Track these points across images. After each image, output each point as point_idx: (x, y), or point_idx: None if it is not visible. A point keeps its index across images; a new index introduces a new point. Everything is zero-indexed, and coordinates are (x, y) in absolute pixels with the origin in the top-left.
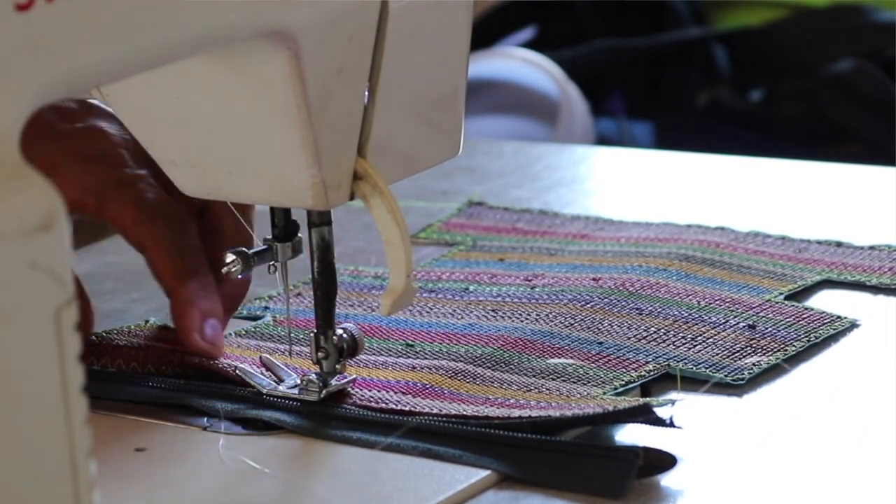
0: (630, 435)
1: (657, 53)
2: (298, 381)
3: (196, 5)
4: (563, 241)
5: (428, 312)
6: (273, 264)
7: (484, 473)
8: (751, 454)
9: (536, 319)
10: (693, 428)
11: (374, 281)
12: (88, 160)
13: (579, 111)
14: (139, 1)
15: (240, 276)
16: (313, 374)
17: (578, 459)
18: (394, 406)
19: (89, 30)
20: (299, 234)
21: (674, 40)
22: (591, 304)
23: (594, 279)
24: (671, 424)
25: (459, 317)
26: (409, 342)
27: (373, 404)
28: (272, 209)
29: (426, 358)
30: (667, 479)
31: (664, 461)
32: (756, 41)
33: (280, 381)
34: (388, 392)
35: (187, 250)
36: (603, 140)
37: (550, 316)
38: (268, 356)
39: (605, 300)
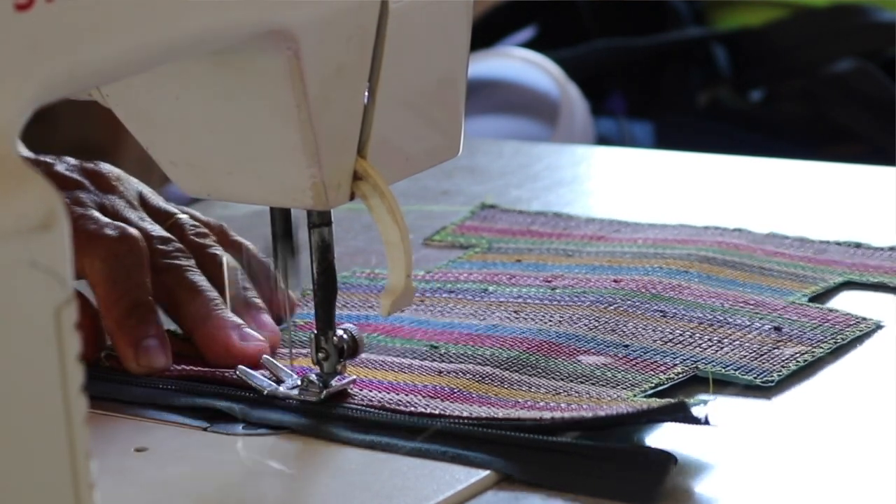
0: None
1: (657, 53)
2: (299, 382)
3: (196, 5)
4: (579, 242)
5: (449, 313)
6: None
7: (484, 473)
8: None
9: (560, 321)
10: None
11: None
12: None
13: (579, 111)
14: (139, 1)
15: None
16: (314, 375)
17: (606, 464)
18: (422, 409)
19: (89, 30)
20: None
21: (674, 40)
22: (614, 305)
23: (615, 280)
24: (706, 423)
25: (481, 318)
26: (434, 343)
27: (401, 408)
28: (272, 209)
29: (451, 361)
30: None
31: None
32: (756, 41)
33: (280, 381)
34: (415, 396)
35: (120, 274)
36: (603, 140)
37: (574, 318)
38: (268, 357)
39: (628, 302)
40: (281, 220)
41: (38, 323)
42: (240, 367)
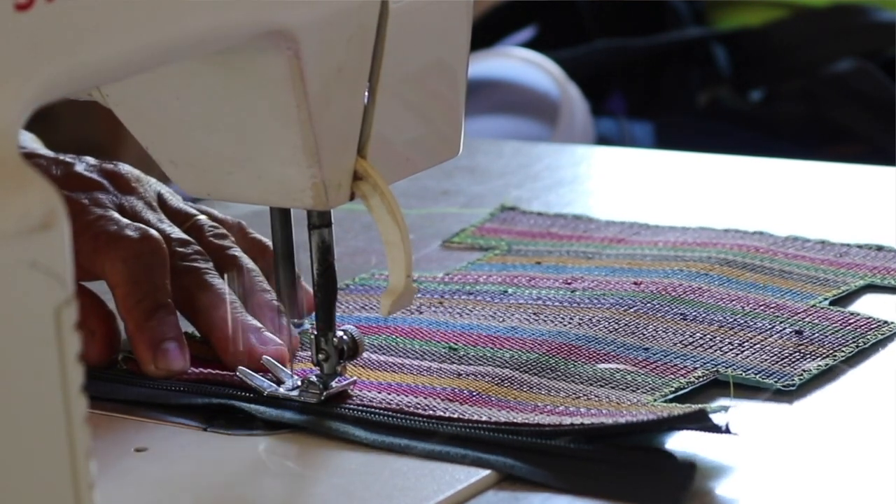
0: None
1: (657, 53)
2: (299, 383)
3: (196, 5)
4: (599, 245)
5: (468, 314)
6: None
7: (484, 473)
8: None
9: (580, 324)
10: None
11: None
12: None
13: (579, 111)
14: (139, 1)
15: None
16: (314, 376)
17: (631, 470)
18: (441, 413)
19: (89, 30)
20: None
21: (674, 40)
22: (634, 308)
23: (635, 283)
24: (727, 431)
25: (501, 319)
26: (453, 345)
27: (420, 411)
28: (272, 209)
29: (471, 363)
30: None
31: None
32: (756, 41)
33: (280, 382)
34: (433, 399)
35: (140, 276)
36: (603, 140)
37: (594, 321)
38: (268, 357)
39: (648, 305)
40: (282, 241)
41: (38, 323)
42: (240, 367)
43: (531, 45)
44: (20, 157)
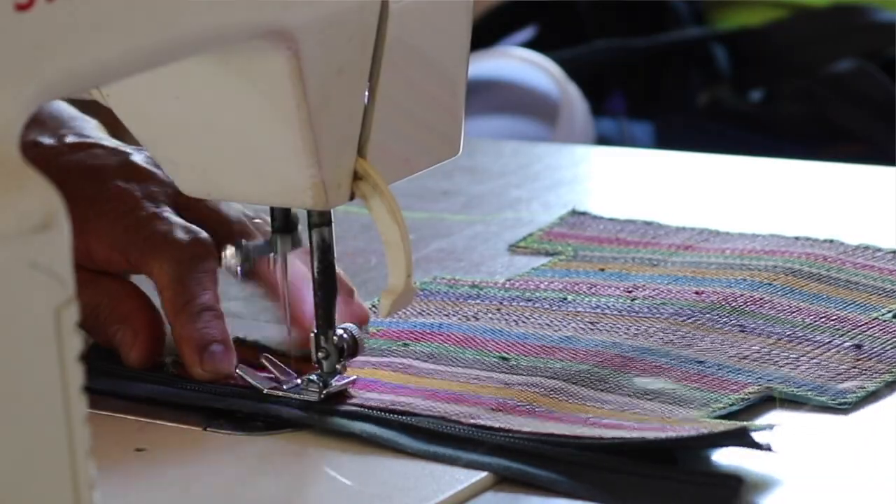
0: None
1: (657, 53)
2: (298, 382)
3: (196, 5)
4: (666, 252)
5: (524, 322)
6: (273, 256)
7: (483, 473)
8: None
9: (635, 335)
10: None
11: (470, 290)
12: (116, 219)
13: (579, 111)
14: (139, 1)
15: (239, 268)
16: (314, 375)
17: (678, 485)
18: (484, 422)
19: (89, 30)
20: (299, 227)
21: (674, 40)
22: (693, 319)
23: (697, 293)
24: (768, 449)
25: (556, 328)
26: (505, 355)
27: (463, 419)
28: (272, 208)
29: (520, 374)
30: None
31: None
32: (756, 41)
33: (280, 381)
34: (479, 408)
35: (188, 279)
36: (603, 140)
37: (650, 331)
38: (269, 356)
39: (707, 315)
40: (281, 219)
41: (38, 323)
42: (240, 365)
43: (531, 45)
44: (20, 157)
